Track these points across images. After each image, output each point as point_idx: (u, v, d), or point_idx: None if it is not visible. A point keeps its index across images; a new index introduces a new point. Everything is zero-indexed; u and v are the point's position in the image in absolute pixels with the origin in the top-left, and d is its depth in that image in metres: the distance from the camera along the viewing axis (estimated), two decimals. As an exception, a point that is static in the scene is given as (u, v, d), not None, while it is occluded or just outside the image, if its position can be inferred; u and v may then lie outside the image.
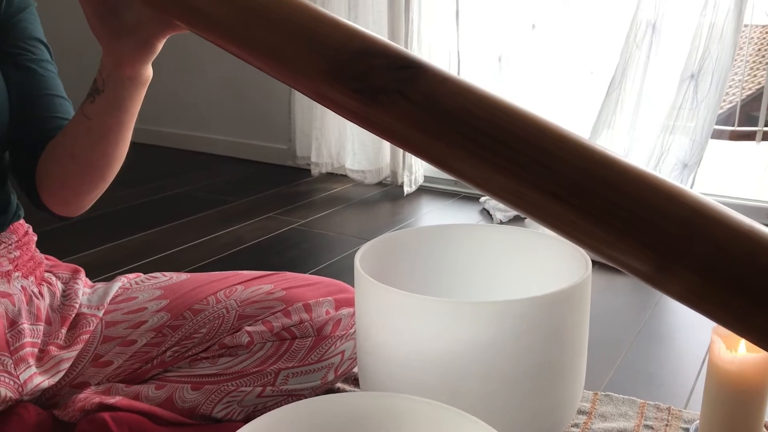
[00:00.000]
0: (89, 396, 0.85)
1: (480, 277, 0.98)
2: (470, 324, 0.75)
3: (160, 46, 0.68)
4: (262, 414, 0.57)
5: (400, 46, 0.51)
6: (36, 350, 0.84)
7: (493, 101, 0.48)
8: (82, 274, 0.96)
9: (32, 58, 0.85)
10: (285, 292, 0.94)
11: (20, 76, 0.83)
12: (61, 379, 0.86)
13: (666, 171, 1.66)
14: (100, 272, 1.49)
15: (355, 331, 0.94)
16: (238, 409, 0.89)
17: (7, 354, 0.80)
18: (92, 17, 0.65)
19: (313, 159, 2.27)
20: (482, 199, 2.00)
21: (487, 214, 1.93)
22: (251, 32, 0.52)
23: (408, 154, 2.08)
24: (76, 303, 0.91)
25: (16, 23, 0.84)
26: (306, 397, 0.80)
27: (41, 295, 0.89)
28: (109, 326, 0.91)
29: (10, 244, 0.87)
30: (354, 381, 1.05)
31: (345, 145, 2.23)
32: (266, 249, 1.69)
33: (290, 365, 0.90)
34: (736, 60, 1.63)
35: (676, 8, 1.62)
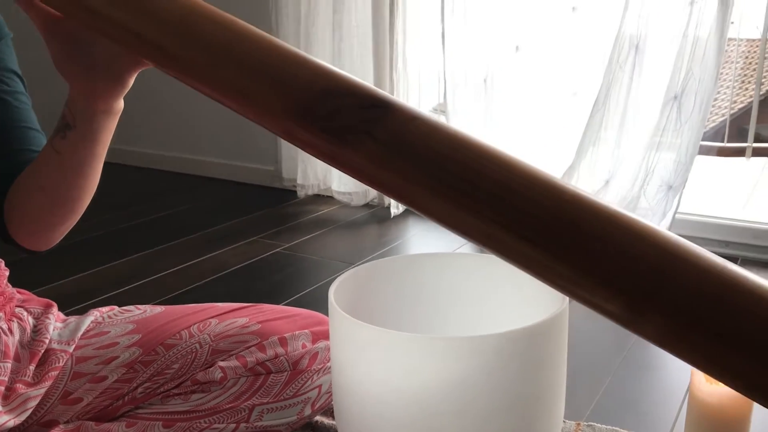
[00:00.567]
0: (57, 435, 0.83)
1: (458, 307, 0.97)
2: (444, 360, 0.74)
3: (131, 81, 0.67)
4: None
5: (369, 85, 0.50)
6: (2, 388, 0.82)
7: (463, 141, 0.48)
8: (55, 309, 0.95)
9: (6, 89, 0.84)
10: (260, 326, 0.92)
11: None
12: (28, 417, 0.84)
13: (651, 193, 1.66)
14: (80, 299, 1.47)
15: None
16: (212, 447, 0.87)
17: (-29, 394, 0.78)
18: (58, 55, 0.64)
19: (300, 181, 2.26)
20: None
21: (473, 235, 1.92)
22: (216, 72, 0.52)
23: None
24: (46, 338, 0.89)
25: None
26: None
27: (10, 331, 0.87)
28: (80, 362, 0.89)
29: (-22, 281, 0.85)
30: (333, 414, 1.03)
31: (331, 167, 2.22)
32: (250, 274, 1.67)
33: (265, 401, 0.88)
34: (725, 74, 1.63)
35: (659, 29, 1.62)
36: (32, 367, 0.86)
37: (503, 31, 1.84)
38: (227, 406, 0.87)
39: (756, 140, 2.94)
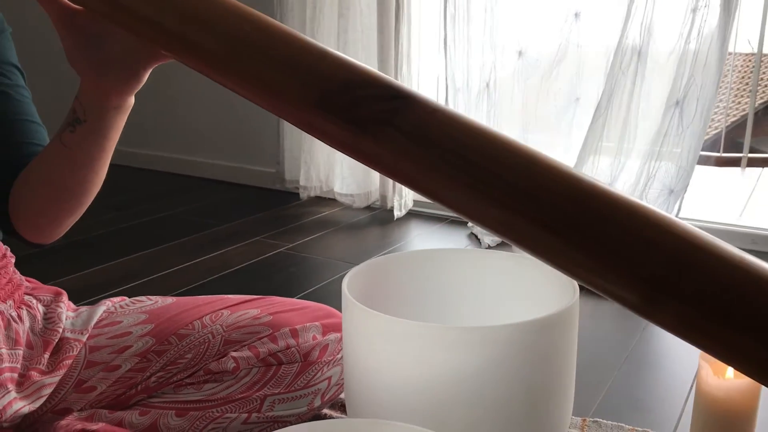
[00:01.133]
0: (71, 422, 0.83)
1: (468, 302, 0.98)
2: (457, 349, 0.75)
3: (146, 76, 0.66)
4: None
5: (389, 77, 0.51)
6: (15, 375, 0.83)
7: (483, 132, 0.49)
8: (65, 297, 0.95)
9: (7, 83, 0.83)
10: (272, 317, 0.93)
11: None
12: (42, 404, 0.85)
13: (652, 197, 1.67)
14: (84, 296, 1.47)
15: (342, 357, 0.93)
16: (223, 436, 0.87)
17: (-14, 380, 0.78)
18: (73, 49, 0.63)
19: (302, 182, 2.27)
20: (470, 223, 2.01)
21: (475, 238, 1.93)
22: (239, 62, 0.52)
23: (396, 179, 2.08)
24: (60, 327, 0.89)
25: None
26: (292, 424, 0.79)
27: (20, 318, 0.88)
28: (93, 351, 0.90)
29: (-13, 268, 0.85)
30: (341, 407, 1.04)
31: (334, 169, 2.23)
32: (253, 273, 1.68)
33: (276, 391, 0.89)
34: (720, 87, 1.65)
35: (662, 36, 1.64)
36: (47, 356, 0.86)
37: (506, 36, 1.86)
38: (239, 396, 0.88)
39: (750, 152, 2.97)
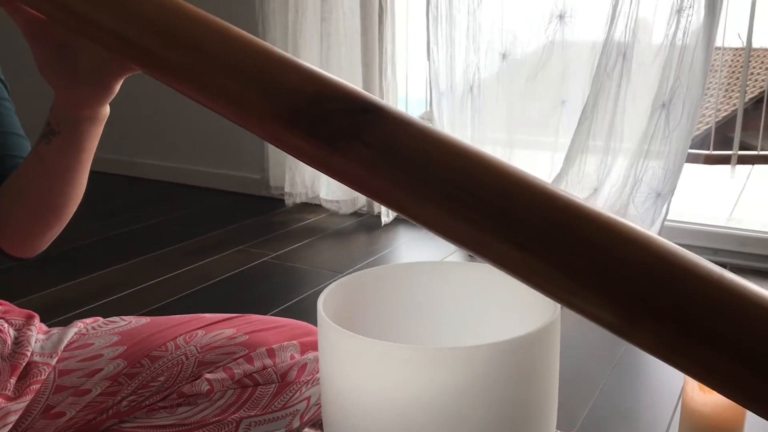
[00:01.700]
0: (39, 451, 0.81)
1: (448, 316, 0.96)
2: (434, 371, 0.73)
3: (117, 87, 0.65)
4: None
5: (359, 89, 0.49)
6: (-18, 403, 0.80)
7: (456, 147, 0.47)
8: (37, 320, 0.93)
9: None
10: (247, 337, 0.91)
11: None
12: (9, 433, 0.82)
13: (640, 200, 1.66)
14: (61, 311, 1.44)
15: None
16: (198, 461, 0.85)
17: (-51, 409, 0.76)
18: (42, 60, 0.62)
19: (287, 189, 2.25)
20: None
21: (462, 244, 1.91)
22: (202, 75, 0.50)
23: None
24: (28, 351, 0.87)
25: None
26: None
27: (-10, 343, 0.85)
28: (63, 375, 0.87)
29: (-43, 292, 0.83)
30: (321, 426, 1.01)
31: (319, 175, 2.21)
32: (237, 283, 1.65)
33: (252, 413, 0.87)
34: (710, 83, 1.63)
35: (647, 37, 1.63)
36: (13, 381, 0.84)
37: (490, 39, 1.84)
38: (214, 419, 0.85)
39: (741, 148, 2.96)
